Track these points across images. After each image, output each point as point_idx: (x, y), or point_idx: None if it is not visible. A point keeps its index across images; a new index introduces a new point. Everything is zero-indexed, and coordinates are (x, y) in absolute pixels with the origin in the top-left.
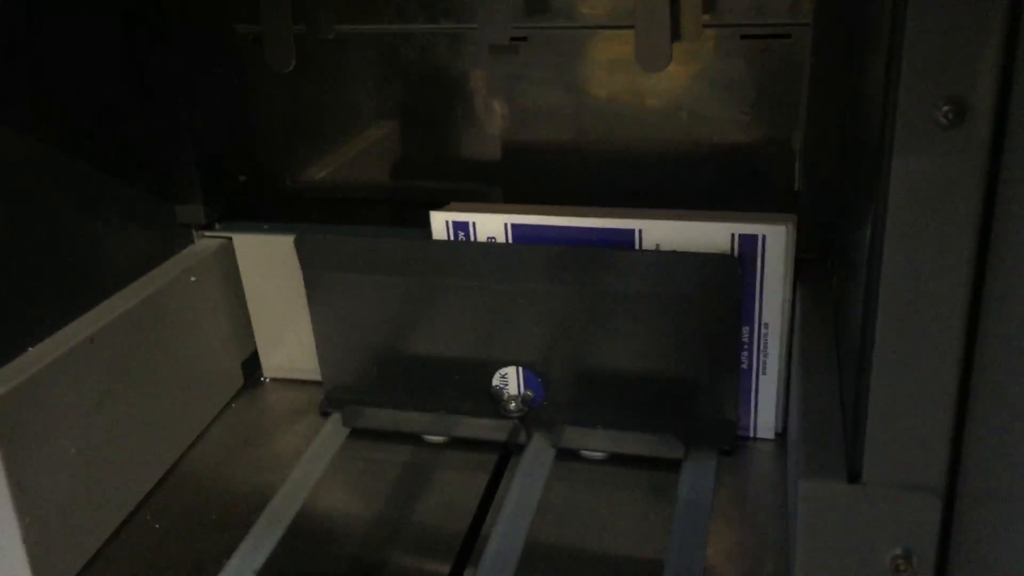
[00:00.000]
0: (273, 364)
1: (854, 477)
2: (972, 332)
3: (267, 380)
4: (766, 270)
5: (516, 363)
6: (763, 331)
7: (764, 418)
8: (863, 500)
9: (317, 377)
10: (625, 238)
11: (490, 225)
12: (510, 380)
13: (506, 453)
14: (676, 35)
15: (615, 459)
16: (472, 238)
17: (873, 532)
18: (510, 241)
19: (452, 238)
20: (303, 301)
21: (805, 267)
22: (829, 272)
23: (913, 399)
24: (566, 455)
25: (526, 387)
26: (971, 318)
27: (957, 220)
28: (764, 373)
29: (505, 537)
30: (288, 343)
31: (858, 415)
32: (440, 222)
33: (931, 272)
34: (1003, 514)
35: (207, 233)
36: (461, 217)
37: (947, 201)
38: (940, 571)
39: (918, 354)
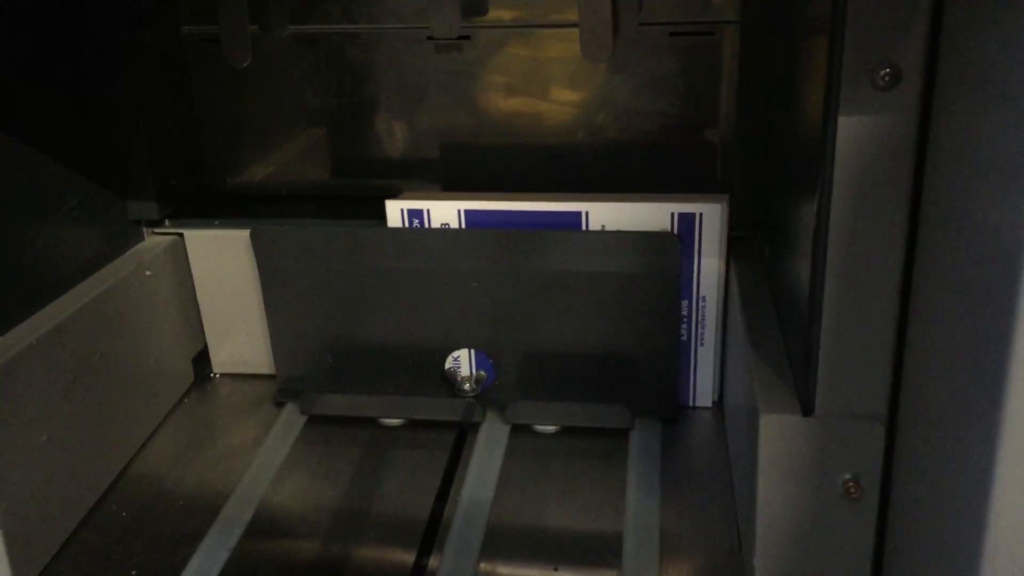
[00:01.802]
0: (222, 360)
1: (807, 411)
2: (908, 273)
3: (217, 376)
4: (703, 246)
5: (468, 345)
6: (701, 304)
7: (703, 387)
8: (816, 430)
9: (266, 371)
10: (572, 220)
11: (443, 212)
12: (462, 362)
13: (462, 432)
14: (615, 32)
15: (566, 431)
16: (426, 225)
17: (825, 459)
18: (463, 227)
19: (407, 226)
20: (253, 296)
21: (738, 244)
22: (760, 246)
23: (857, 337)
24: (520, 430)
25: (478, 368)
26: (907, 260)
27: (895, 171)
28: (702, 344)
29: (467, 514)
30: (237, 338)
31: (808, 356)
32: (395, 210)
33: (872, 220)
34: (938, 436)
35: (157, 230)
36: (415, 205)
37: (886, 155)
38: (885, 492)
39: (861, 295)
